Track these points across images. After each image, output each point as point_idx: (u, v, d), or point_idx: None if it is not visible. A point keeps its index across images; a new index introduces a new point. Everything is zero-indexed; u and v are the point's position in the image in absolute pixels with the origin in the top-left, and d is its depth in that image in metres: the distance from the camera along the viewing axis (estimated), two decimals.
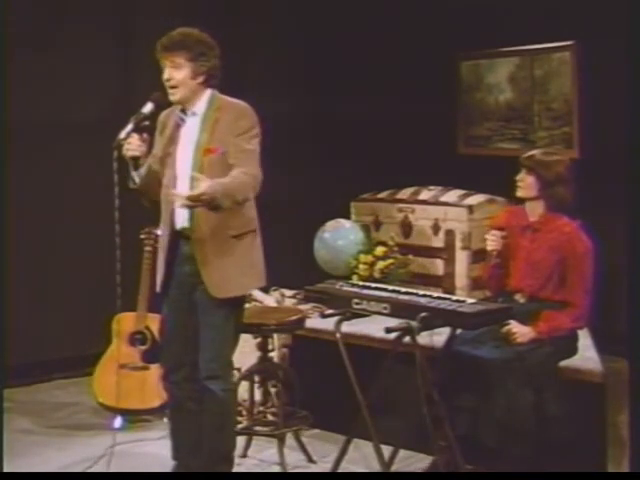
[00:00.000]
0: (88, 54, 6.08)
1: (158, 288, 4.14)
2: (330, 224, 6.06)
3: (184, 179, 3.98)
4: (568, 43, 5.75)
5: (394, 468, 4.42)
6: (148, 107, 3.97)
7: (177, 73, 3.94)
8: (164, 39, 3.98)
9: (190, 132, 4.01)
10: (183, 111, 4.04)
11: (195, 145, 3.99)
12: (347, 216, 6.19)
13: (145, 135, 3.94)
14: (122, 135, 3.89)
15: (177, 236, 4.03)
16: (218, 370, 4.04)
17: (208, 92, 4.03)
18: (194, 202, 3.74)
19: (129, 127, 3.90)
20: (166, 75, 3.96)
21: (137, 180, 3.97)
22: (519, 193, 4.46)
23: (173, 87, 3.96)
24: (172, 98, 3.99)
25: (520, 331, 4.27)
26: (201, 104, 4.02)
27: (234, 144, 3.94)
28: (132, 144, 3.89)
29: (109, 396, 5.13)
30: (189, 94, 3.98)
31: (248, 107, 4.03)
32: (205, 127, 3.99)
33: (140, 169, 3.96)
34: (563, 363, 4.36)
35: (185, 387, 4.13)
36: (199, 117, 4.01)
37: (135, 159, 3.92)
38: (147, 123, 3.96)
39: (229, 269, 3.97)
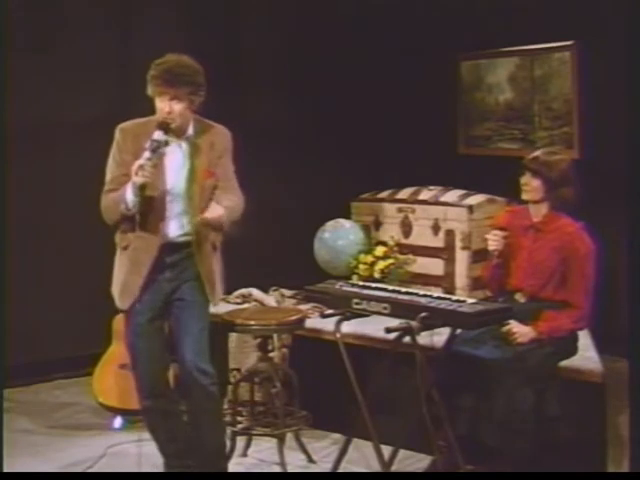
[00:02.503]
0: (88, 54, 6.08)
1: (129, 304, 4.06)
2: (330, 224, 6.06)
3: (176, 196, 4.06)
4: (568, 43, 5.75)
5: (394, 468, 4.42)
6: (159, 135, 3.94)
7: (178, 106, 3.99)
8: (163, 71, 3.97)
9: (183, 152, 4.09)
10: (166, 132, 4.01)
11: (191, 167, 4.07)
12: (347, 216, 6.18)
13: (156, 161, 3.92)
14: (141, 162, 3.87)
15: (165, 246, 4.07)
16: (205, 363, 4.08)
17: (192, 116, 4.11)
18: (211, 224, 4.03)
19: (147, 155, 3.88)
20: (166, 108, 3.97)
21: (131, 205, 3.95)
22: (525, 196, 4.44)
23: (172, 118, 3.98)
24: (171, 125, 4.00)
25: (520, 331, 4.27)
26: (190, 127, 4.11)
27: (223, 167, 4.16)
28: (146, 170, 3.86)
29: (109, 396, 5.13)
30: (185, 122, 4.06)
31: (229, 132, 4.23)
32: (201, 150, 4.09)
33: (139, 196, 3.93)
34: (563, 363, 4.36)
35: (168, 393, 4.19)
36: (192, 138, 4.10)
37: (143, 186, 3.89)
38: (162, 151, 3.95)
39: (217, 277, 4.18)
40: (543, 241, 4.40)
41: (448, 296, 4.49)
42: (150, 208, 4.02)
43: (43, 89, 5.94)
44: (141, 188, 3.90)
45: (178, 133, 4.07)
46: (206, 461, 4.18)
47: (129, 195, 3.94)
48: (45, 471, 4.60)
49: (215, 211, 4.00)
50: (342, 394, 4.46)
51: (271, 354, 4.85)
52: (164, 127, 3.97)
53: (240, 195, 4.19)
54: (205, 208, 4.03)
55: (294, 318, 4.75)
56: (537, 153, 4.48)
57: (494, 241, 4.42)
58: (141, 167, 3.86)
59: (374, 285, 4.61)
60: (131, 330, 4.13)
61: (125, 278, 4.08)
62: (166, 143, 3.97)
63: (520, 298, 4.43)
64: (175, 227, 4.08)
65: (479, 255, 5.42)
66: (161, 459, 4.27)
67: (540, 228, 4.43)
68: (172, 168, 4.08)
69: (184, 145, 4.10)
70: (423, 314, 4.03)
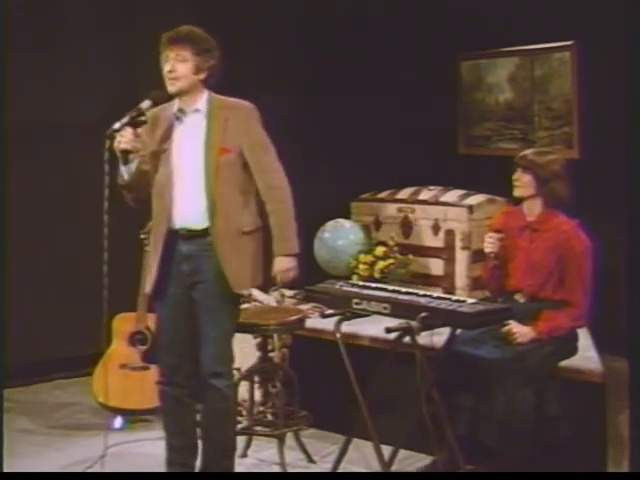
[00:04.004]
0: (88, 54, 6.08)
1: (149, 288, 4.12)
2: (330, 224, 6.06)
3: (184, 176, 3.99)
4: (568, 43, 5.74)
5: (394, 468, 4.42)
6: (146, 104, 3.97)
7: (181, 66, 3.95)
8: (171, 32, 3.99)
9: (193, 129, 4.00)
10: (180, 109, 4.03)
11: (205, 143, 3.97)
12: (347, 216, 6.19)
13: (139, 130, 3.93)
14: (116, 126, 3.87)
15: (173, 235, 4.02)
16: (222, 367, 4.06)
17: (205, 91, 4.05)
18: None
19: (124, 119, 3.89)
20: (169, 67, 3.95)
21: (126, 176, 3.95)
22: (517, 192, 4.48)
23: (174, 79, 3.96)
24: (171, 88, 3.97)
25: (520, 331, 4.27)
26: (202, 101, 4.03)
27: (251, 150, 4.02)
28: (125, 137, 3.87)
29: (109, 396, 5.13)
30: (188, 88, 3.99)
31: (253, 105, 4.08)
32: (215, 125, 3.98)
33: (130, 165, 3.94)
34: (563, 363, 4.36)
35: (187, 385, 4.14)
36: (203, 114, 4.02)
37: (126, 153, 3.89)
38: (143, 119, 3.94)
39: (245, 264, 4.04)
40: (539, 241, 4.41)
41: (448, 296, 4.50)
42: (157, 188, 4.00)
43: (43, 89, 5.94)
44: (123, 154, 3.88)
45: (185, 103, 4.02)
46: (212, 460, 4.17)
47: (120, 165, 3.94)
48: (45, 471, 4.60)
49: (282, 264, 4.06)
50: (342, 394, 4.46)
51: (271, 354, 4.85)
52: (153, 97, 3.97)
53: (279, 172, 4.08)
54: (221, 190, 3.94)
55: (294, 318, 4.75)
56: (528, 151, 4.52)
57: (490, 244, 4.43)
58: (116, 131, 3.85)
59: (374, 285, 4.61)
60: (158, 319, 4.19)
61: (149, 263, 4.14)
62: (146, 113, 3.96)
63: (520, 298, 4.43)
64: (189, 211, 3.99)
65: (479, 255, 5.41)
66: (160, 459, 4.26)
67: (536, 228, 4.43)
68: (179, 145, 4.01)
69: (192, 119, 4.02)
70: (423, 314, 4.03)
